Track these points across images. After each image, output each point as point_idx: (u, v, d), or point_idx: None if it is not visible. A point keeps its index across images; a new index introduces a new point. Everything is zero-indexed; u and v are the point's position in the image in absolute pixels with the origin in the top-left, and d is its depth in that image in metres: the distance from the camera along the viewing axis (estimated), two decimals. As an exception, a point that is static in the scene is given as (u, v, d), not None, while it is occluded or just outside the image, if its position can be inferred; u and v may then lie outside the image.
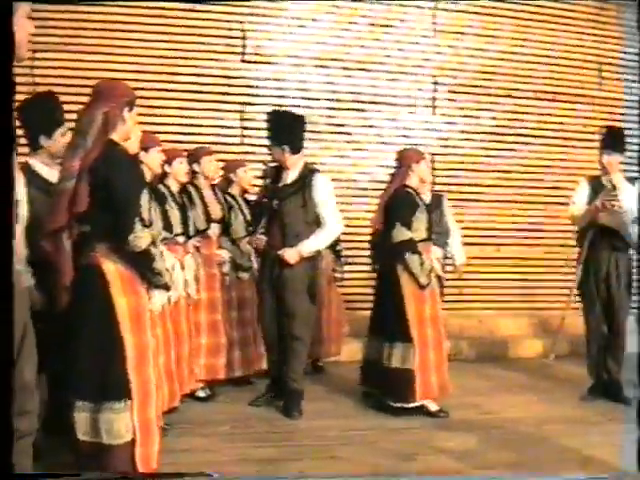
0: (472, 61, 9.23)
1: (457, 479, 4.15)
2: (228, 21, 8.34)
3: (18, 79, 2.60)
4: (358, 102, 8.83)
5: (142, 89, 7.74)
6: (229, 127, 8.38)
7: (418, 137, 8.94)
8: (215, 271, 5.96)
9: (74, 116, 3.61)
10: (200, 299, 5.70)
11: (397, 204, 5.57)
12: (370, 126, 8.89)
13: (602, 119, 9.30)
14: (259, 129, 8.22)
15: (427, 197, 6.82)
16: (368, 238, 6.44)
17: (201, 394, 5.79)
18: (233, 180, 6.55)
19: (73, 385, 3.42)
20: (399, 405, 5.42)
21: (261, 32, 8.52)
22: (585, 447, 4.66)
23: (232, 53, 8.40)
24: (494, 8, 9.30)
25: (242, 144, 8.36)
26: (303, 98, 8.58)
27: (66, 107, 4.33)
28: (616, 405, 5.86)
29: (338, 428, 5.08)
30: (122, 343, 3.38)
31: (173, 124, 7.88)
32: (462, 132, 9.20)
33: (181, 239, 5.42)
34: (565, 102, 9.53)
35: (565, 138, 9.46)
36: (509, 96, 9.34)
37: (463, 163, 9.17)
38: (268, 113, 5.69)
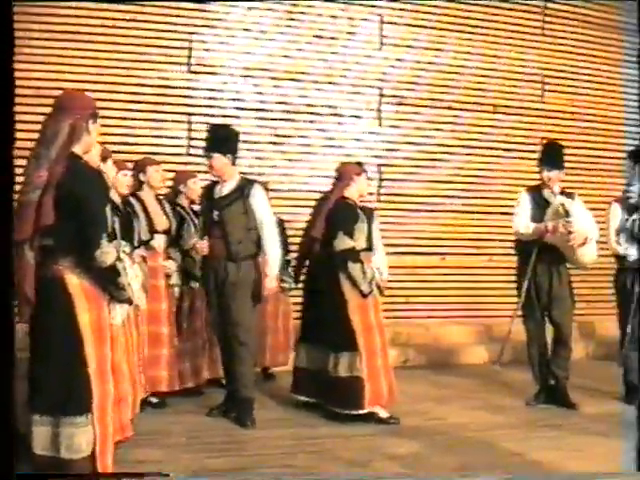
0: (417, 73, 9.42)
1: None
2: (173, 31, 8.38)
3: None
4: (303, 113, 8.95)
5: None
6: (175, 137, 8.42)
7: (364, 148, 9.09)
8: (159, 283, 5.97)
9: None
10: (143, 311, 5.65)
11: (339, 214, 5.73)
12: (305, 136, 9.00)
13: (544, 131, 9.59)
14: (205, 139, 8.30)
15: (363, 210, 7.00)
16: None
17: (152, 399, 5.84)
18: (182, 191, 6.59)
19: (33, 399, 3.42)
20: (347, 412, 5.50)
21: (207, 43, 8.58)
22: (529, 451, 4.80)
23: (178, 64, 8.45)
24: (439, 22, 9.51)
25: (188, 154, 8.40)
26: (250, 109, 8.68)
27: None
28: (560, 410, 6.05)
29: (292, 437, 5.15)
30: (84, 357, 3.39)
31: (119, 134, 7.87)
32: (407, 143, 9.37)
33: (127, 249, 5.41)
34: (507, 114, 9.77)
35: (507, 149, 9.69)
36: (451, 108, 9.54)
37: (408, 174, 9.32)
38: (211, 125, 5.88)
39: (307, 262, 6.28)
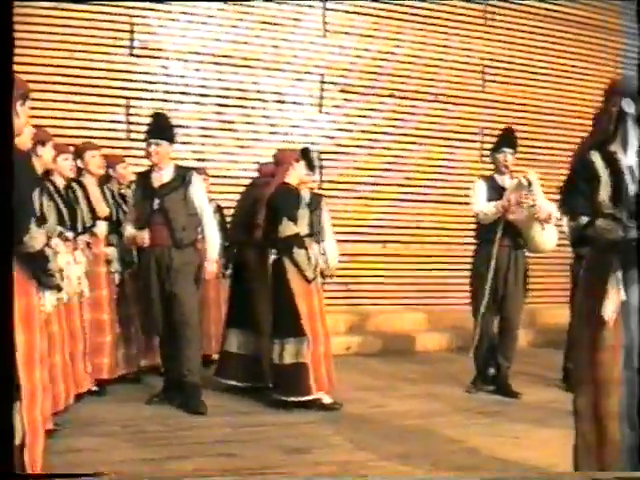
0: (360, 61, 9.42)
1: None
2: (116, 14, 8.23)
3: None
4: (245, 99, 8.90)
5: (27, 82, 7.59)
6: (115, 122, 8.30)
7: (305, 135, 9.06)
8: (101, 269, 5.95)
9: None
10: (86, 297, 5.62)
11: (282, 200, 5.70)
12: (253, 123, 8.96)
13: (484, 120, 9.68)
14: (145, 124, 8.16)
15: (306, 196, 6.96)
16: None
17: (93, 387, 5.78)
18: (112, 175, 6.51)
19: None
20: (293, 399, 5.51)
21: (149, 27, 8.45)
22: (469, 438, 4.85)
23: (120, 47, 8.31)
24: (382, 10, 9.52)
25: (128, 139, 8.27)
26: (191, 94, 8.59)
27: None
28: (499, 398, 6.11)
29: (232, 425, 5.12)
30: (13, 344, 3.28)
31: (59, 118, 7.74)
32: (349, 131, 9.38)
33: (70, 235, 5.32)
34: (449, 103, 9.84)
35: (448, 138, 9.76)
36: (393, 96, 9.57)
37: (350, 161, 9.33)
38: (156, 112, 5.89)
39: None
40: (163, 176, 5.58)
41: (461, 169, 9.39)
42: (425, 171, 9.70)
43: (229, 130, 8.81)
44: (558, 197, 3.49)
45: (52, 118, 7.53)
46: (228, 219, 7.19)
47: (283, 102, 9.12)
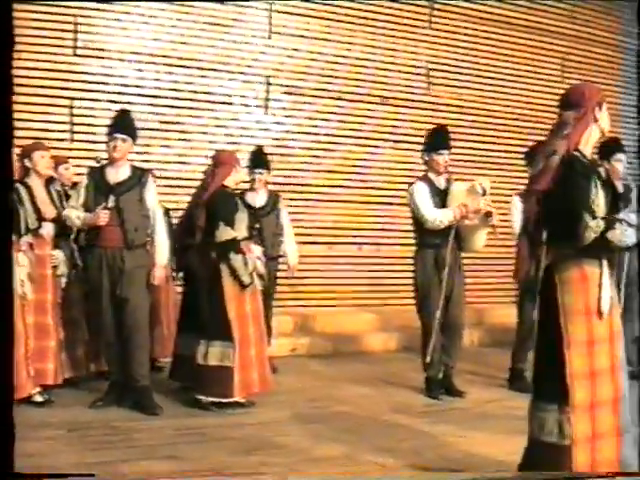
0: (305, 63, 9.46)
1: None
2: (60, 14, 8.15)
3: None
4: (190, 100, 8.87)
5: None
6: (58, 122, 8.22)
7: (252, 137, 9.04)
8: (47, 272, 5.83)
9: None
10: (29, 300, 5.54)
11: (219, 204, 5.66)
12: (201, 125, 8.94)
13: (431, 123, 9.74)
14: (89, 125, 8.14)
15: (262, 197, 7.05)
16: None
17: (38, 398, 5.62)
18: (53, 177, 6.35)
19: None
20: (212, 400, 5.54)
21: (93, 26, 8.39)
22: (411, 438, 4.92)
23: (63, 46, 8.23)
24: (328, 12, 9.57)
25: (72, 140, 8.23)
26: (135, 94, 8.54)
27: None
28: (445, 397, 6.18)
29: (176, 427, 5.11)
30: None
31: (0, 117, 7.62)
32: (295, 132, 9.41)
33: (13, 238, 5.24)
34: (396, 106, 9.93)
35: (395, 141, 9.84)
36: (340, 98, 9.62)
37: (296, 163, 9.36)
38: (121, 109, 5.87)
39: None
40: (119, 174, 5.53)
41: (409, 171, 9.42)
42: (372, 173, 9.75)
43: (176, 131, 8.77)
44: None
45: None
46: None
47: (230, 104, 9.11)
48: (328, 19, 9.58)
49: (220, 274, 5.58)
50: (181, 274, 6.71)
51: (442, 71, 10.26)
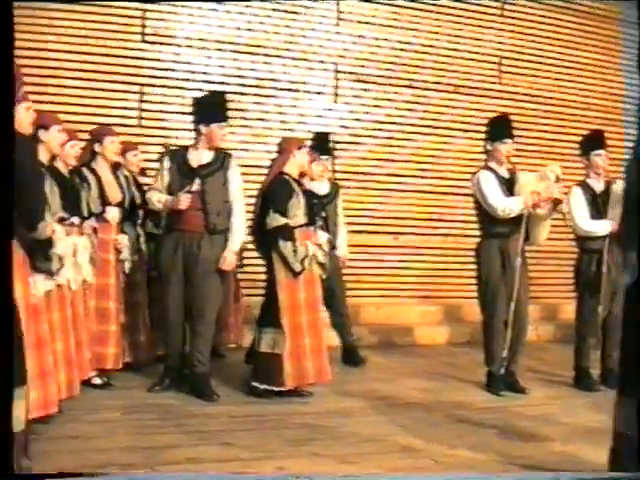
0: (375, 50, 9.40)
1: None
2: (128, 0, 8.23)
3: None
4: (260, 87, 8.89)
5: (40, 67, 7.63)
6: (127, 108, 8.30)
7: (320, 125, 8.98)
8: (110, 257, 5.85)
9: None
10: (91, 284, 5.53)
11: (272, 190, 5.65)
12: (270, 112, 8.96)
13: (501, 112, 9.58)
14: (157, 111, 8.23)
15: (325, 186, 6.97)
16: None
17: (97, 381, 5.69)
18: (122, 163, 6.42)
19: None
20: (264, 387, 5.53)
21: (162, 12, 8.47)
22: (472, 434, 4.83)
23: (132, 33, 8.33)
24: (397, -1, 9.45)
25: (140, 126, 8.31)
26: (204, 81, 8.56)
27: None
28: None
29: (231, 414, 5.11)
30: (20, 328, 3.29)
31: (70, 104, 7.75)
32: (363, 121, 9.35)
33: (75, 221, 5.21)
34: (466, 94, 9.81)
35: (465, 130, 9.69)
36: (410, 86, 9.55)
37: (365, 152, 9.29)
38: (213, 92, 6.07)
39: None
40: (202, 156, 5.50)
41: (477, 161, 9.27)
42: (440, 162, 9.66)
43: (242, 119, 8.75)
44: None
45: (64, 104, 7.56)
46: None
47: (297, 91, 9.10)
48: (396, 5, 9.50)
49: (272, 261, 5.57)
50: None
51: (513, 59, 10.11)
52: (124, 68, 8.26)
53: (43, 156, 4.78)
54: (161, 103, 8.36)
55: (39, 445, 4.01)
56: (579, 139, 6.60)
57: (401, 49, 9.51)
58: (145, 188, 6.31)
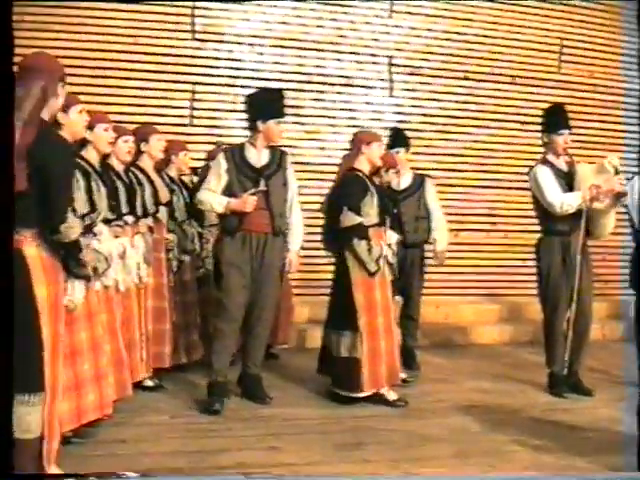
0: (429, 42, 9.27)
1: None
2: (177, -2, 8.26)
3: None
4: (314, 83, 8.83)
5: (87, 67, 7.71)
6: (178, 107, 8.32)
7: (374, 119, 8.91)
8: (162, 255, 5.87)
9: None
10: (147, 284, 5.54)
11: (345, 188, 5.54)
12: (322, 108, 8.88)
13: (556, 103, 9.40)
14: (209, 109, 8.23)
15: (407, 179, 6.79)
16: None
17: (149, 383, 5.68)
18: (173, 162, 6.41)
19: None
20: (345, 394, 5.43)
21: (211, 10, 8.45)
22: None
23: (182, 31, 8.33)
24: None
25: (191, 125, 8.33)
26: (255, 78, 8.47)
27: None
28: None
29: (282, 417, 5.07)
30: (40, 334, 3.27)
31: (121, 104, 7.80)
32: (420, 114, 9.24)
33: (130, 219, 5.23)
34: (525, 85, 9.61)
35: (523, 122, 9.49)
36: (466, 78, 9.40)
37: (419, 147, 9.12)
38: (269, 88, 5.97)
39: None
40: (262, 156, 5.39)
41: (536, 154, 9.08)
42: (500, 156, 9.47)
43: (295, 115, 8.61)
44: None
45: (116, 104, 7.61)
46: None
47: (352, 85, 9.00)
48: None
49: (346, 261, 5.48)
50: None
51: (574, 48, 9.87)
52: (175, 67, 8.26)
53: (92, 156, 4.80)
54: (213, 101, 8.35)
55: (86, 449, 4.03)
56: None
57: (456, 40, 9.34)
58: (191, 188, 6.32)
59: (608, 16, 9.97)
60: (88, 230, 4.25)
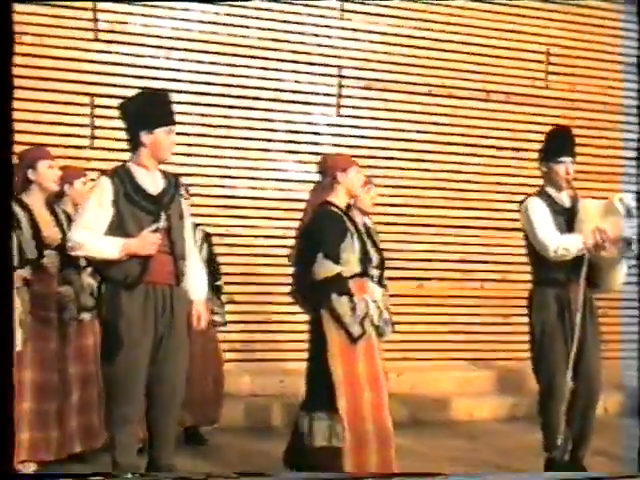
0: (388, 50, 9.31)
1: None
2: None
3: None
4: (241, 97, 8.75)
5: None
6: (76, 124, 8.12)
7: (316, 143, 8.95)
8: (52, 314, 5.66)
9: None
10: (25, 352, 5.40)
11: (319, 228, 5.32)
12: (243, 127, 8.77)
13: (549, 124, 9.38)
14: (113, 128, 7.90)
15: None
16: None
17: (27, 469, 5.51)
18: (67, 193, 6.18)
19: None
20: None
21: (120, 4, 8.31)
22: None
23: (82, 29, 8.16)
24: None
25: (91, 148, 8.15)
26: (174, 91, 8.03)
27: None
28: None
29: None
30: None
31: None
32: (375, 138, 9.24)
33: None
34: (504, 102, 9.76)
35: (514, 148, 9.65)
36: (430, 94, 9.48)
37: (377, 177, 8.87)
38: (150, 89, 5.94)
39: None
40: (157, 180, 5.02)
41: (520, 186, 9.05)
42: (474, 189, 9.51)
43: (216, 137, 8.60)
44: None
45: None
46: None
47: (289, 102, 8.95)
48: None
49: (321, 322, 5.25)
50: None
51: (561, 56, 10.03)
52: (72, 74, 8.06)
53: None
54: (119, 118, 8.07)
55: None
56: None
57: (419, 47, 9.41)
58: None
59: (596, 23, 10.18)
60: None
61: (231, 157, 8.64)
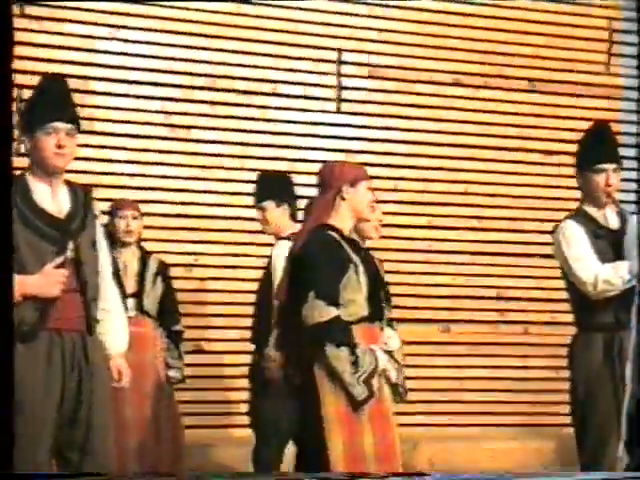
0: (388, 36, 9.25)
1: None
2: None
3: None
4: (218, 90, 8.68)
5: None
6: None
7: (310, 148, 8.95)
8: None
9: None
10: None
11: (311, 259, 5.04)
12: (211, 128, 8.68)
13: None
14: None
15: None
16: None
17: None
18: None
19: None
20: None
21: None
22: None
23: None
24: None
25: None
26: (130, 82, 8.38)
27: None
28: None
29: None
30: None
31: None
32: (383, 141, 9.18)
33: None
34: (547, 93, 9.66)
35: (547, 151, 9.50)
36: (458, 84, 9.41)
37: (381, 190, 8.69)
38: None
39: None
40: (60, 198, 4.77)
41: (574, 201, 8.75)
42: (515, 205, 9.36)
43: (177, 140, 8.48)
44: None
45: None
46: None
47: (279, 95, 8.88)
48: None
49: (314, 381, 4.98)
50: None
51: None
52: None
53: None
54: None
55: None
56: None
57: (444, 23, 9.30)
58: None
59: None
60: None
61: (198, 166, 8.53)
